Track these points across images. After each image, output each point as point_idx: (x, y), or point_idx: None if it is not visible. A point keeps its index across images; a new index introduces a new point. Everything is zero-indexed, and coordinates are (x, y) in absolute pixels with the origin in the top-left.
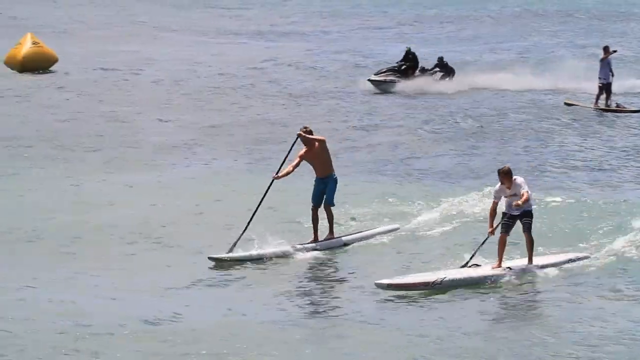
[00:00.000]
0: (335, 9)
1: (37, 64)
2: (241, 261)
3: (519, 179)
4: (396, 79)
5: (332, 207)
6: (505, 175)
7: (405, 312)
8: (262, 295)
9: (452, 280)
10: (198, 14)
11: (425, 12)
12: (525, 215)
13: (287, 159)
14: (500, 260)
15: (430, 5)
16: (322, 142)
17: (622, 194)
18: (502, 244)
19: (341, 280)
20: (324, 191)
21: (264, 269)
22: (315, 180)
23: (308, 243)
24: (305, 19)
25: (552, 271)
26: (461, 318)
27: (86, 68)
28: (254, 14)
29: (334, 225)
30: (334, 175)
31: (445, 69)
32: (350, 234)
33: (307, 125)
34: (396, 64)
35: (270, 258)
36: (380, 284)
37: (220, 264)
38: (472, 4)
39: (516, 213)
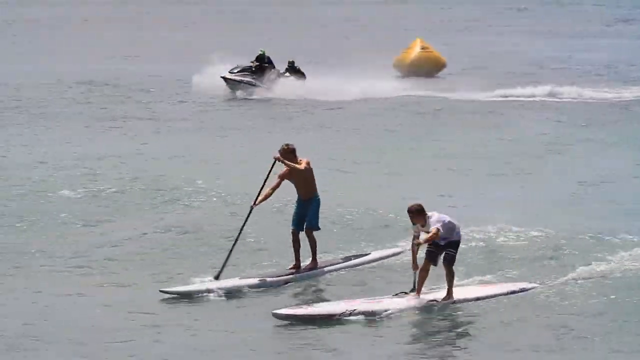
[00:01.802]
0: None
1: (424, 69)
2: (199, 294)
3: (434, 216)
4: (252, 80)
5: (315, 232)
6: (414, 215)
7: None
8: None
9: (363, 312)
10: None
11: None
12: (450, 246)
13: (265, 184)
14: (419, 290)
15: None
16: (307, 163)
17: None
18: (423, 272)
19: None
20: (306, 213)
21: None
22: (296, 202)
23: (288, 269)
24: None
25: (487, 303)
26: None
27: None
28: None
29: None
30: (317, 196)
31: (297, 73)
32: (338, 263)
33: (290, 143)
34: (250, 64)
35: (236, 291)
36: (279, 314)
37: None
38: None
39: (442, 243)
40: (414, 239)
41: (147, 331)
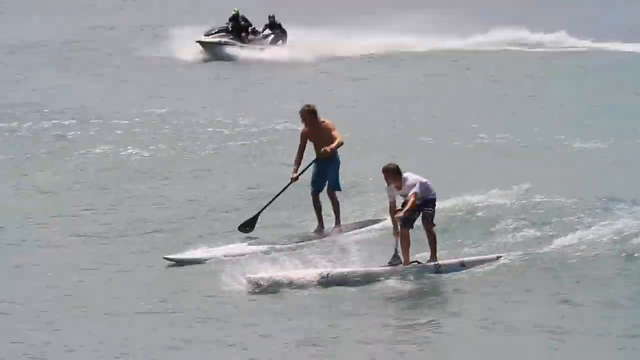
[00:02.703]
0: None
1: None
2: (201, 262)
3: (410, 178)
4: (230, 40)
5: (337, 193)
6: (389, 174)
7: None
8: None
9: (340, 275)
10: None
11: None
12: (426, 204)
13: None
14: (407, 259)
15: None
16: (332, 125)
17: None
18: (404, 241)
19: None
20: (326, 174)
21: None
22: (314, 161)
23: (312, 233)
24: None
25: (473, 269)
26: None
27: None
28: None
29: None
30: (338, 157)
31: (279, 29)
32: (360, 224)
33: (310, 104)
34: (225, 25)
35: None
36: (252, 278)
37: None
38: None
39: (418, 203)
40: (391, 208)
41: (137, 294)
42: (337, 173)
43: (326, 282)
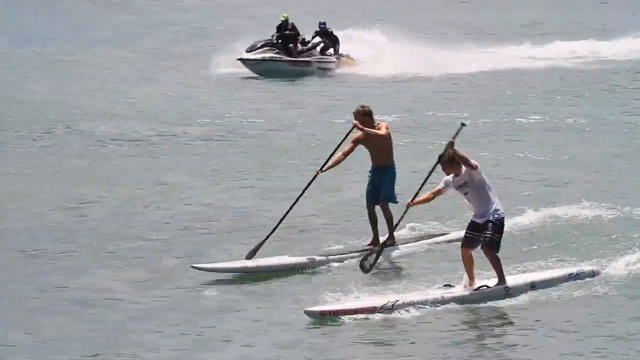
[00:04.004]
0: None
1: None
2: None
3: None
4: (276, 55)
5: (390, 205)
6: (447, 165)
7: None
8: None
9: (406, 304)
10: None
11: None
12: (486, 227)
13: (337, 150)
14: (471, 279)
15: None
16: (386, 128)
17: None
18: (467, 260)
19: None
20: (381, 185)
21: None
22: (370, 172)
23: (366, 245)
24: None
25: (544, 290)
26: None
27: None
28: None
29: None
30: (394, 166)
31: (329, 37)
32: (417, 240)
33: (365, 105)
34: (271, 38)
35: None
36: (312, 312)
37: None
38: None
39: (480, 221)
40: (440, 188)
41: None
42: (392, 183)
43: (391, 311)
